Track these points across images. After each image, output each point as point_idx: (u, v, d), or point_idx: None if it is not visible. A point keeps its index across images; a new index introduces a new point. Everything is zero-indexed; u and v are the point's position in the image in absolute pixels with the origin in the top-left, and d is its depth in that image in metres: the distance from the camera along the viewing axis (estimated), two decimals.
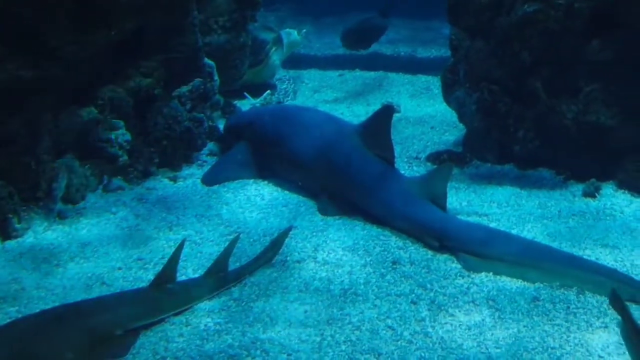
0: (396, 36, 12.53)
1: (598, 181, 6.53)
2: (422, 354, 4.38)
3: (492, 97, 6.91)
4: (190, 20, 7.31)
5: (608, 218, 6.06)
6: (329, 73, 10.86)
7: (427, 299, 4.94)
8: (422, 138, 8.09)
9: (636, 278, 5.07)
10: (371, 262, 5.42)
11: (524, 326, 4.64)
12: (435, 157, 7.41)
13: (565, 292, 5.00)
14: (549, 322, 4.67)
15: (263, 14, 9.95)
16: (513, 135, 6.92)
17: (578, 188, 6.59)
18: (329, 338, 4.52)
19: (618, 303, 4.73)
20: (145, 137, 6.99)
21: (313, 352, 4.39)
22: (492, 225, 5.92)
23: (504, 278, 5.20)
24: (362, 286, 5.10)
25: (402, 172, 6.62)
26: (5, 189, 5.68)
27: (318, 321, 4.70)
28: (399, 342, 4.49)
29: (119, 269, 5.40)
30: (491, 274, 5.25)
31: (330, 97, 9.85)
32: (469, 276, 5.25)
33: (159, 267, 5.07)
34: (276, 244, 5.57)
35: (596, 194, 6.45)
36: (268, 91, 9.29)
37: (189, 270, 5.33)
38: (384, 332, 4.59)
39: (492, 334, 4.56)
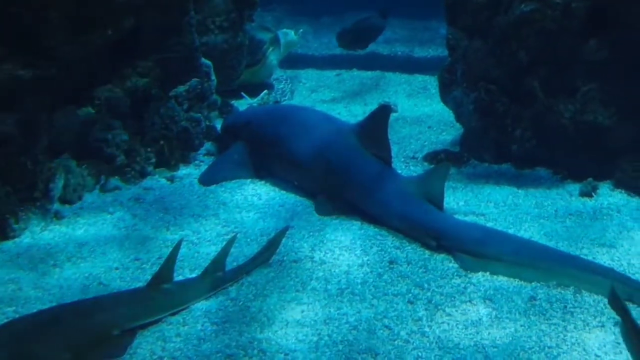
0: (393, 36, 12.54)
1: (595, 181, 6.53)
2: (419, 354, 4.38)
3: (490, 96, 6.91)
4: (187, 20, 7.31)
5: (605, 217, 6.06)
6: (326, 73, 10.86)
7: (424, 299, 4.94)
8: (419, 138, 8.09)
9: (633, 277, 5.08)
10: (368, 262, 5.42)
11: (521, 325, 4.64)
12: (433, 157, 7.42)
13: (562, 291, 5.00)
14: (546, 322, 4.68)
15: (260, 14, 9.97)
16: (510, 135, 6.93)
17: (575, 187, 6.59)
18: (326, 338, 4.53)
19: (617, 303, 4.73)
20: (142, 137, 6.99)
21: (310, 352, 4.39)
22: (490, 224, 5.92)
23: (501, 277, 5.21)
24: (359, 286, 5.11)
25: (399, 171, 6.62)
26: (2, 189, 5.68)
27: (315, 321, 4.70)
28: (396, 342, 4.49)
29: (116, 269, 5.39)
30: (488, 273, 5.25)
31: (327, 97, 9.86)
32: (466, 276, 5.25)
33: (156, 267, 5.07)
34: (273, 243, 5.57)
35: (593, 194, 6.45)
36: (265, 91, 9.29)
37: (186, 270, 5.33)
38: (381, 331, 4.59)
39: (489, 333, 4.56)
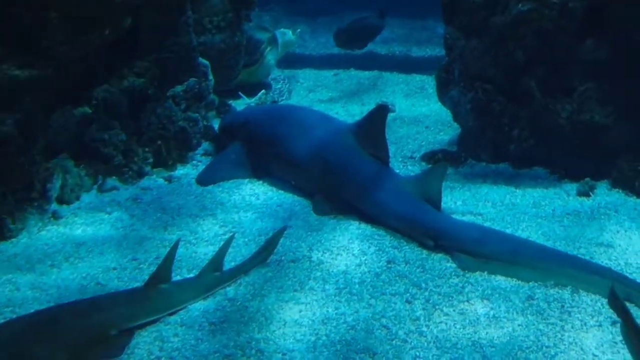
0: (391, 35, 12.54)
1: (592, 180, 6.54)
2: (417, 353, 4.38)
3: (487, 96, 6.92)
4: (184, 19, 7.30)
5: (602, 217, 6.07)
6: (324, 72, 10.85)
7: (421, 298, 4.95)
8: (416, 137, 8.09)
9: (630, 277, 5.08)
10: (366, 262, 5.42)
11: (519, 325, 4.65)
12: (430, 157, 7.42)
13: (560, 291, 5.01)
14: (544, 321, 4.68)
15: (258, 14, 9.96)
16: (508, 135, 6.93)
17: (572, 187, 6.60)
18: (324, 337, 4.53)
19: (617, 303, 4.73)
20: (139, 137, 6.99)
21: (308, 352, 4.39)
22: (487, 224, 5.92)
23: (498, 277, 5.21)
24: (357, 285, 5.11)
25: (397, 171, 6.62)
26: None
27: (313, 321, 4.70)
28: (394, 342, 4.49)
29: (114, 269, 5.39)
30: (486, 273, 5.25)
31: (325, 97, 9.86)
32: (463, 275, 5.25)
33: (154, 267, 5.05)
34: (271, 243, 5.57)
35: (590, 193, 6.46)
36: (263, 91, 9.29)
37: (184, 270, 5.32)
38: (379, 331, 4.59)
39: (487, 333, 4.56)
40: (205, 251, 5.57)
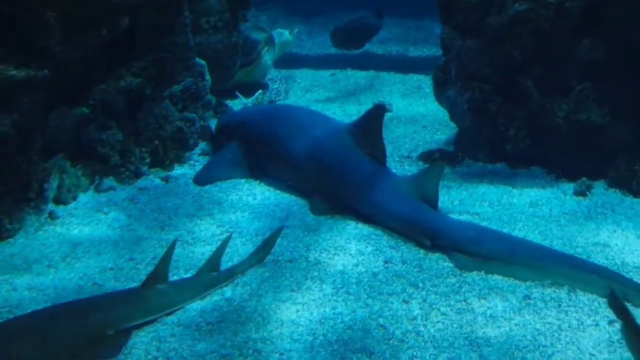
0: (388, 35, 12.53)
1: (589, 180, 6.54)
2: (414, 353, 4.38)
3: (483, 96, 6.92)
4: (181, 19, 7.30)
5: (599, 217, 6.08)
6: (321, 72, 10.85)
7: (419, 298, 4.95)
8: (413, 137, 8.09)
9: (627, 276, 5.09)
10: (363, 262, 5.42)
11: (516, 324, 4.65)
12: (427, 156, 7.42)
13: (557, 290, 5.02)
14: (541, 321, 4.69)
15: (254, 14, 9.95)
16: (504, 134, 6.94)
17: (569, 187, 6.60)
18: (321, 337, 4.53)
19: (617, 303, 4.72)
20: (136, 137, 6.98)
21: (305, 352, 4.39)
22: (484, 224, 5.93)
23: (495, 276, 5.22)
24: (354, 285, 5.11)
25: (394, 171, 6.62)
26: None
27: (310, 320, 4.70)
28: (391, 341, 4.49)
29: (111, 269, 5.39)
30: (483, 272, 5.26)
31: (322, 97, 9.85)
32: (460, 275, 5.26)
33: (151, 267, 5.06)
34: (268, 243, 5.57)
35: (587, 193, 6.46)
36: (260, 91, 9.28)
37: (181, 270, 5.32)
38: (376, 331, 4.59)
39: (484, 332, 4.57)
40: (203, 251, 5.57)
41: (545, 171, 6.90)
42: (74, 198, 6.42)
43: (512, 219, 6.06)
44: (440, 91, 7.54)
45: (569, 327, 4.62)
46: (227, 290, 5.07)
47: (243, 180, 6.90)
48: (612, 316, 4.70)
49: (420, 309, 4.83)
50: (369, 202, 6.01)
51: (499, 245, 5.39)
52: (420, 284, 5.12)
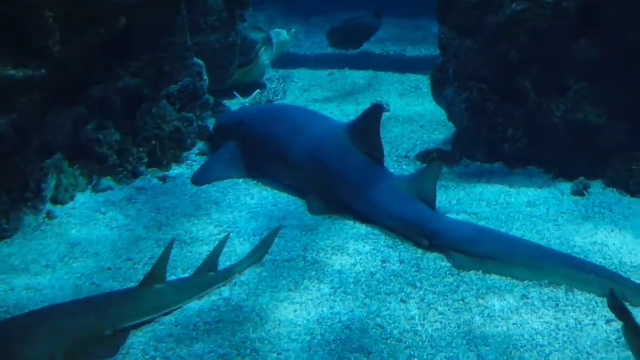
0: (385, 35, 12.53)
1: (587, 179, 6.55)
2: (412, 353, 4.39)
3: (481, 96, 6.93)
4: (179, 19, 7.30)
5: (597, 216, 6.08)
6: (319, 72, 10.85)
7: (416, 298, 4.95)
8: (411, 137, 8.10)
9: (624, 276, 5.10)
10: (361, 261, 5.42)
11: (514, 324, 4.66)
12: (425, 156, 7.43)
13: (554, 290, 5.02)
14: (538, 320, 4.69)
15: (252, 14, 9.96)
16: (502, 134, 6.94)
17: (567, 186, 6.60)
18: (319, 337, 4.53)
19: (617, 304, 4.68)
20: (134, 137, 6.98)
21: (303, 352, 4.39)
22: (482, 223, 5.93)
23: (493, 276, 5.22)
24: (352, 285, 5.11)
25: (392, 171, 6.63)
26: None
27: (308, 320, 4.70)
28: (389, 341, 4.50)
29: (109, 269, 5.39)
30: (481, 272, 5.26)
31: (320, 97, 9.85)
32: (458, 274, 5.26)
33: (149, 267, 5.07)
34: (266, 243, 5.58)
35: (585, 192, 6.47)
36: (258, 90, 9.28)
37: (179, 270, 5.33)
38: (374, 330, 4.59)
39: (482, 332, 4.57)
40: (200, 251, 5.57)
41: (542, 171, 6.91)
42: (72, 198, 6.42)
43: (509, 219, 6.06)
44: (438, 91, 7.55)
45: (567, 326, 4.63)
46: (225, 290, 5.07)
47: (241, 180, 6.90)
48: (610, 316, 4.68)
49: (418, 308, 4.84)
50: (367, 202, 6.01)
51: (496, 245, 5.39)
52: (418, 284, 5.12)
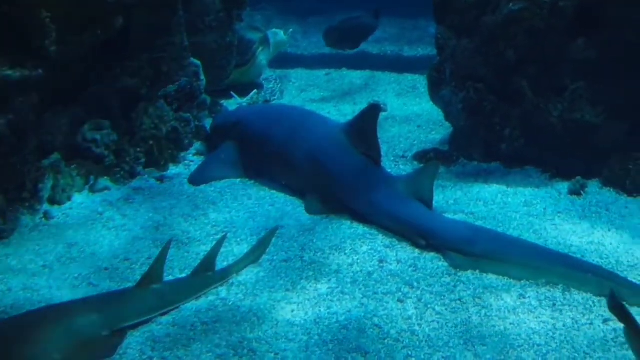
0: (383, 35, 12.54)
1: (584, 179, 6.55)
2: (409, 353, 4.39)
3: (478, 95, 6.93)
4: (176, 19, 7.30)
5: (594, 216, 6.09)
6: (316, 72, 10.86)
7: (414, 297, 4.95)
8: (408, 137, 8.10)
9: (621, 275, 5.10)
10: (358, 261, 5.42)
11: (511, 324, 4.66)
12: (422, 156, 7.43)
13: (551, 289, 5.02)
14: (535, 320, 4.69)
15: (250, 13, 9.95)
16: (499, 134, 6.94)
17: (564, 186, 6.61)
18: (316, 337, 4.53)
19: (617, 305, 4.66)
20: (131, 137, 6.98)
21: (300, 351, 4.40)
22: (479, 223, 5.93)
23: (490, 276, 5.22)
24: (349, 285, 5.11)
25: (389, 170, 6.63)
26: None
27: (305, 320, 4.70)
28: (386, 341, 4.50)
29: (106, 269, 5.39)
30: (477, 271, 5.26)
31: (317, 96, 9.86)
32: (455, 274, 5.26)
33: (146, 267, 5.06)
34: (263, 243, 5.58)
35: (582, 192, 6.47)
36: (255, 90, 9.29)
37: (176, 270, 5.33)
38: (371, 330, 4.60)
39: (479, 332, 4.57)
40: (198, 251, 5.58)
41: (539, 170, 6.91)
42: (69, 198, 6.42)
43: (506, 218, 6.06)
44: (435, 91, 7.55)
45: (564, 326, 4.63)
46: (222, 290, 5.07)
47: (238, 180, 6.90)
48: (607, 315, 4.69)
49: (415, 308, 4.84)
50: (364, 201, 6.01)
51: (493, 244, 5.39)
52: (415, 284, 5.12)
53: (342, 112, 8.88)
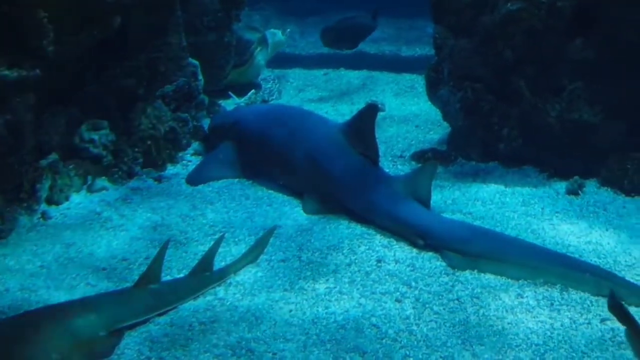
0: (380, 35, 12.52)
1: (581, 179, 6.55)
2: (407, 352, 4.39)
3: (476, 95, 6.93)
4: (174, 19, 7.30)
5: (591, 215, 6.09)
6: (314, 72, 10.85)
7: (411, 297, 4.95)
8: (406, 137, 8.10)
9: (619, 275, 5.11)
10: (355, 261, 5.42)
11: (508, 323, 4.66)
12: (420, 156, 7.43)
13: (549, 289, 5.02)
14: (533, 319, 4.69)
15: (248, 13, 9.94)
16: (497, 134, 6.95)
17: (562, 185, 6.61)
18: (314, 337, 4.53)
19: (617, 307, 4.66)
20: (129, 137, 6.98)
21: (298, 351, 4.39)
22: (477, 223, 5.93)
23: (488, 275, 5.22)
24: (347, 285, 5.11)
25: (387, 170, 6.63)
26: None
27: (303, 320, 4.70)
28: (384, 341, 4.50)
29: (103, 269, 5.38)
30: (475, 271, 5.26)
31: (315, 96, 9.86)
32: (453, 274, 5.26)
33: (144, 267, 5.06)
34: (261, 243, 5.58)
35: (579, 192, 6.48)
36: (253, 90, 9.28)
37: (174, 270, 5.32)
38: (369, 330, 4.59)
39: (477, 331, 4.57)
40: (195, 251, 5.57)
41: (537, 170, 6.91)
42: (67, 198, 6.41)
43: (504, 218, 6.07)
44: (432, 91, 7.55)
45: (562, 325, 4.63)
46: (220, 290, 5.07)
47: (236, 180, 6.89)
48: (605, 314, 4.70)
49: (413, 308, 4.84)
50: (362, 201, 6.01)
51: (491, 244, 5.40)
52: (413, 283, 5.12)
53: (340, 112, 8.88)
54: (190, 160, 7.40)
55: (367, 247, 5.64)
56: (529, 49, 6.58)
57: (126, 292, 4.83)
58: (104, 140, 6.73)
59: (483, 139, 7.09)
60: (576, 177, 6.54)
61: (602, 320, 4.66)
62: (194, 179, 6.90)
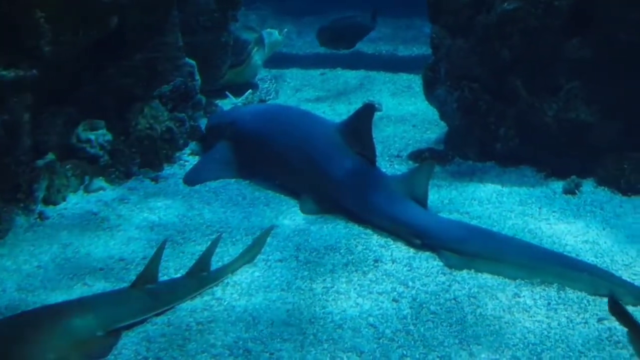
0: (377, 35, 12.50)
1: (578, 178, 6.56)
2: (404, 352, 4.39)
3: (473, 95, 6.94)
4: (170, 19, 7.29)
5: (588, 215, 6.10)
6: (311, 72, 10.85)
7: (408, 297, 4.95)
8: (403, 136, 8.10)
9: (616, 274, 5.11)
10: (353, 261, 5.42)
11: (505, 323, 4.66)
12: (417, 155, 7.44)
13: (546, 288, 5.03)
14: (530, 319, 4.70)
15: (244, 13, 9.94)
16: (494, 133, 6.95)
17: (559, 185, 6.62)
18: (311, 337, 4.53)
19: (618, 308, 4.66)
20: (126, 137, 6.98)
21: (295, 351, 4.39)
22: (474, 222, 5.94)
23: (485, 275, 5.22)
24: (344, 285, 5.11)
25: (384, 170, 6.63)
26: None
27: (300, 320, 4.70)
28: (381, 340, 4.50)
29: (101, 269, 5.38)
30: (472, 271, 5.27)
31: (312, 96, 9.85)
32: (450, 273, 5.26)
33: (141, 268, 5.06)
34: (258, 243, 5.58)
35: (576, 191, 6.48)
36: (250, 90, 9.28)
37: (171, 270, 5.32)
38: (366, 330, 4.60)
39: (474, 331, 4.58)
40: (192, 251, 5.57)
41: (534, 170, 6.92)
42: (64, 198, 6.41)
43: (501, 218, 6.07)
44: (429, 90, 7.55)
45: (559, 325, 4.64)
46: (217, 290, 5.07)
47: (233, 180, 6.89)
48: (602, 314, 4.71)
49: (410, 307, 4.84)
50: (359, 201, 6.01)
51: (488, 243, 5.40)
52: (410, 283, 5.12)
53: (337, 112, 8.88)
54: (187, 160, 7.40)
55: (365, 246, 5.64)
56: (526, 48, 6.59)
57: (123, 292, 4.83)
58: (101, 140, 6.73)
59: (480, 139, 7.09)
60: (573, 177, 6.55)
61: (599, 320, 4.67)
62: (191, 179, 6.90)
